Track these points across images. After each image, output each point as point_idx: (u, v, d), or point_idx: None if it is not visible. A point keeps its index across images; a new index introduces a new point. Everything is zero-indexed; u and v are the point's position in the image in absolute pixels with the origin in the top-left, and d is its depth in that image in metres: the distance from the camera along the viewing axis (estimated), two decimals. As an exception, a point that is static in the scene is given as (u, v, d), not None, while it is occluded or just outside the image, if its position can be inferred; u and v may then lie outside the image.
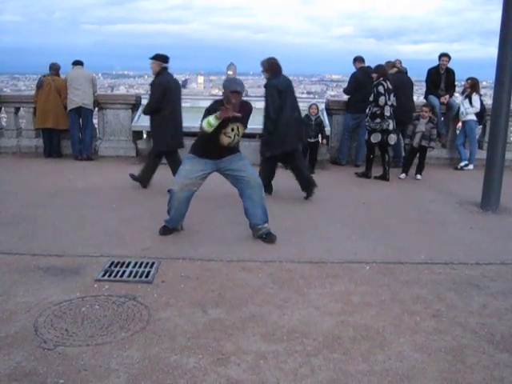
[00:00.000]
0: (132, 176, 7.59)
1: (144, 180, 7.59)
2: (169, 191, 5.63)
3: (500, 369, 3.33)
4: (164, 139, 7.31)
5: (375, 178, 8.66)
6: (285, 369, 3.27)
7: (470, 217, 6.71)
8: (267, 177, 7.20)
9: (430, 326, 3.85)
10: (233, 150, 5.45)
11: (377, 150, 8.73)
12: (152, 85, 7.37)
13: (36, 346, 3.43)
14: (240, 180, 5.42)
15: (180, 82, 8.39)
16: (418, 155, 8.80)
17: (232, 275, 4.66)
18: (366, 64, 9.63)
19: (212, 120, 4.99)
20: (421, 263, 5.05)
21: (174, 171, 7.17)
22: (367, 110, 8.49)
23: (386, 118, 8.30)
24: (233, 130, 5.23)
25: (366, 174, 8.76)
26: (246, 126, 5.36)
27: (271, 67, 7.02)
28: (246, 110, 5.27)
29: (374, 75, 8.51)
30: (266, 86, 7.11)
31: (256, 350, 3.47)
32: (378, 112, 8.31)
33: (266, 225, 5.53)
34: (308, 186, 7.27)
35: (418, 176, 8.74)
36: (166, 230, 5.66)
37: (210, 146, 5.29)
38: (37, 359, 3.29)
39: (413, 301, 4.25)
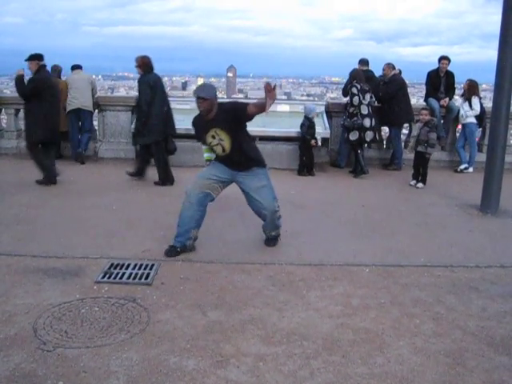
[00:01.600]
0: (39, 182, 7.77)
1: (50, 175, 7.77)
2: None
3: (500, 372, 3.33)
4: (41, 131, 7.58)
5: (349, 172, 9.12)
6: (284, 371, 3.27)
7: (469, 219, 6.71)
8: (143, 163, 8.11)
9: (430, 328, 3.85)
10: (247, 162, 5.11)
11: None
12: (29, 81, 7.73)
13: (35, 348, 3.43)
14: (253, 202, 5.22)
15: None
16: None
17: (231, 277, 4.66)
18: (370, 67, 9.81)
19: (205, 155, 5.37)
20: (420, 266, 5.05)
21: (47, 163, 7.73)
22: (346, 112, 9.05)
23: (361, 117, 8.75)
24: (214, 137, 5.00)
25: (361, 171, 8.96)
26: (229, 128, 4.92)
27: (145, 64, 7.73)
28: (222, 111, 4.95)
29: (348, 79, 9.22)
30: (139, 82, 7.89)
31: (255, 352, 3.47)
32: (355, 112, 8.79)
33: (273, 232, 5.49)
34: (166, 178, 7.97)
35: (419, 184, 8.36)
36: (172, 251, 5.11)
37: (220, 161, 5.16)
38: (36, 361, 3.29)
39: (412, 304, 4.25)
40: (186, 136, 9.42)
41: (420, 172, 8.44)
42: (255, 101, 5.19)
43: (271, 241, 5.50)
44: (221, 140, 4.98)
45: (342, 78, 10.00)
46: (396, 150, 9.67)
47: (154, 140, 7.83)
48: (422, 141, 8.27)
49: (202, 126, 5.10)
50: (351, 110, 8.84)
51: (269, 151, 9.31)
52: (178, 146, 9.35)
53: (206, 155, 5.35)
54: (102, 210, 6.56)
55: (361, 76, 9.08)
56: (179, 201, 5.20)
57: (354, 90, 8.79)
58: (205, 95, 4.90)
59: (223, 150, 5.02)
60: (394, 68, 9.68)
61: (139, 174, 8.18)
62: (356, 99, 8.76)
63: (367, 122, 8.76)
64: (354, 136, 8.83)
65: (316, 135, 9.04)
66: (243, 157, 5.07)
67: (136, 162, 8.40)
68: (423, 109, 8.69)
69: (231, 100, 5.19)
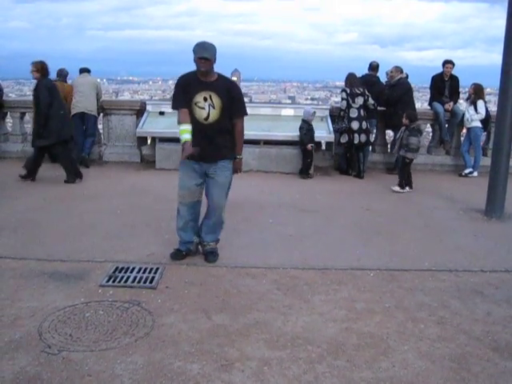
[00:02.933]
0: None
1: None
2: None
3: (505, 377, 3.32)
4: None
5: (354, 176, 9.24)
6: (289, 375, 3.27)
7: (474, 224, 6.70)
8: (35, 164, 8.31)
9: (435, 333, 3.84)
10: (220, 145, 4.84)
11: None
12: None
13: (40, 351, 3.43)
14: (209, 194, 5.01)
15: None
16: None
17: (236, 281, 4.66)
18: (377, 72, 9.87)
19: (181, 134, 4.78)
20: (425, 270, 5.05)
21: None
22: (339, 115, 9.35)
23: (350, 120, 9.01)
24: (205, 99, 4.71)
25: (346, 172, 9.36)
26: (226, 101, 4.74)
27: (43, 69, 8.05)
28: (223, 83, 4.80)
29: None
30: (37, 85, 8.14)
31: (260, 356, 3.47)
32: (344, 115, 9.12)
33: (212, 243, 5.16)
34: (73, 175, 8.32)
35: (395, 188, 8.27)
36: (178, 254, 5.13)
37: (194, 133, 4.74)
38: (41, 364, 3.30)
39: (417, 308, 4.24)
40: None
41: (406, 176, 8.40)
42: (238, 141, 4.98)
43: (210, 255, 5.12)
44: (211, 106, 4.72)
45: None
46: None
47: (53, 142, 8.09)
48: (403, 145, 8.31)
49: (194, 84, 4.76)
50: (341, 113, 9.20)
51: (273, 155, 9.35)
52: (179, 150, 9.39)
53: (184, 137, 4.75)
54: (106, 214, 6.57)
55: (353, 80, 9.32)
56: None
57: (343, 95, 9.14)
58: (209, 56, 4.61)
59: (207, 116, 4.74)
60: (401, 72, 9.66)
61: (31, 174, 8.31)
62: (344, 103, 9.10)
63: (355, 125, 9.00)
64: (344, 139, 9.13)
65: (316, 139, 9.16)
66: (219, 136, 4.80)
67: (27, 163, 8.46)
68: (402, 113, 8.59)
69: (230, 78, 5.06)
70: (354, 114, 9.04)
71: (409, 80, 9.85)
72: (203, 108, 4.73)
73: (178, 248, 5.17)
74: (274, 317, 4.01)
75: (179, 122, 4.81)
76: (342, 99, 9.15)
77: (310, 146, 8.98)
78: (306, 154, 9.02)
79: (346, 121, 9.02)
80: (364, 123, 9.07)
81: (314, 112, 9.31)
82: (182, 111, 4.79)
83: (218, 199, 4.99)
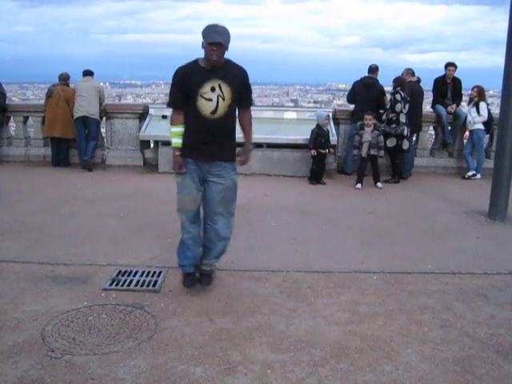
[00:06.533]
0: None
1: None
2: None
3: (509, 380, 3.31)
4: None
5: (385, 181, 9.00)
6: (292, 379, 3.26)
7: (477, 226, 6.68)
8: None
9: (438, 336, 3.83)
10: (225, 147, 4.20)
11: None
12: None
13: (43, 355, 3.43)
14: (209, 208, 4.39)
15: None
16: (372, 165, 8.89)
17: (239, 285, 4.66)
18: (376, 74, 9.81)
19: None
20: (428, 273, 5.03)
21: None
22: (384, 117, 9.02)
23: (401, 124, 8.82)
24: (213, 89, 4.03)
25: (400, 176, 9.19)
26: (235, 89, 4.09)
27: None
28: (232, 69, 4.13)
29: (393, 84, 9.20)
30: None
31: (263, 359, 3.46)
32: (394, 118, 8.87)
33: (213, 263, 4.59)
34: None
35: (379, 184, 8.75)
36: (189, 279, 4.49)
37: (194, 130, 4.18)
38: (44, 368, 3.30)
39: (420, 311, 4.23)
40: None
41: (365, 175, 8.76)
42: (247, 129, 4.41)
43: (205, 278, 4.56)
44: (220, 96, 4.04)
45: (349, 84, 10.02)
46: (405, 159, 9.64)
47: None
48: (374, 144, 8.61)
49: (198, 74, 4.08)
50: (391, 116, 8.90)
51: (276, 158, 9.36)
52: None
53: (175, 141, 4.33)
54: (109, 218, 6.58)
55: (405, 85, 9.12)
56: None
57: (398, 97, 8.86)
58: (222, 41, 3.92)
59: (216, 109, 4.08)
60: (412, 74, 9.56)
61: None
62: (399, 106, 8.82)
63: (405, 131, 8.88)
64: (391, 143, 8.92)
65: (324, 144, 8.96)
66: (225, 133, 4.16)
67: None
68: (367, 114, 8.76)
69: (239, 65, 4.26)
70: (403, 118, 8.87)
71: (420, 85, 9.71)
72: (210, 100, 4.06)
73: (188, 272, 4.51)
74: (277, 320, 4.01)
75: (171, 124, 4.38)
76: (397, 102, 8.83)
77: (313, 152, 8.81)
78: (313, 160, 8.95)
79: (401, 124, 8.80)
80: (409, 130, 8.97)
81: (328, 115, 9.15)
82: (176, 112, 4.29)
83: (227, 204, 4.36)
